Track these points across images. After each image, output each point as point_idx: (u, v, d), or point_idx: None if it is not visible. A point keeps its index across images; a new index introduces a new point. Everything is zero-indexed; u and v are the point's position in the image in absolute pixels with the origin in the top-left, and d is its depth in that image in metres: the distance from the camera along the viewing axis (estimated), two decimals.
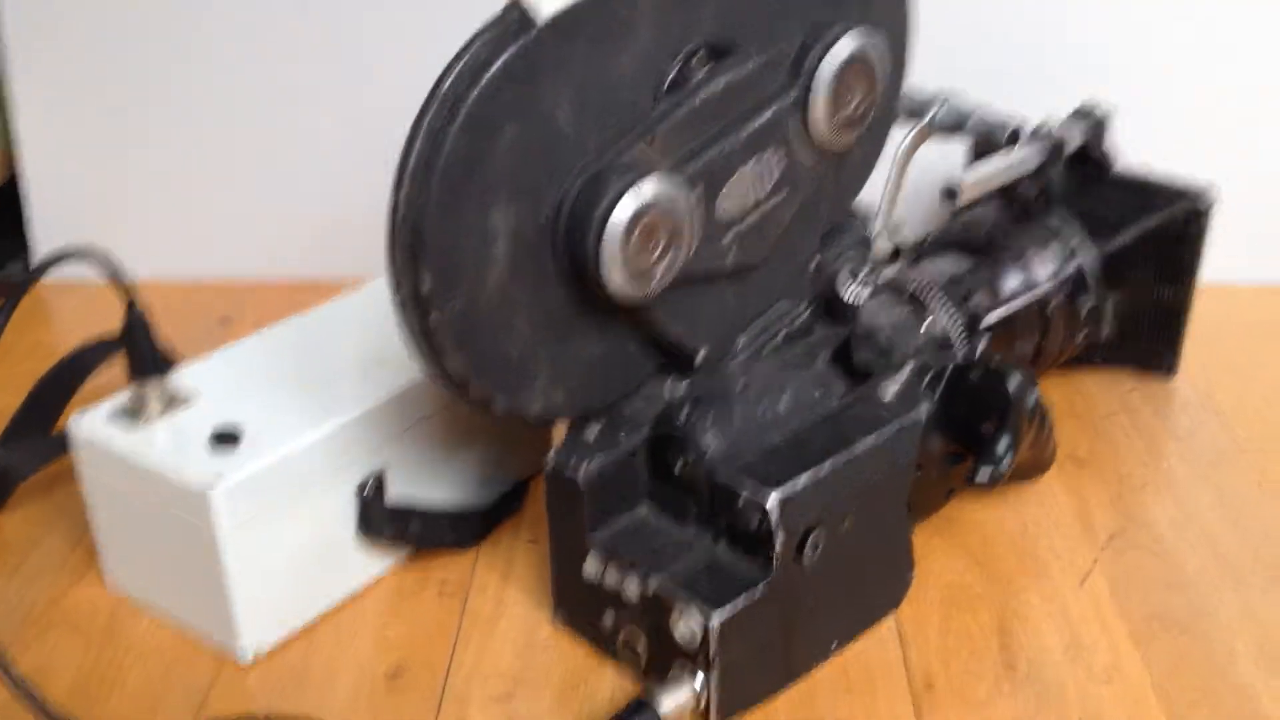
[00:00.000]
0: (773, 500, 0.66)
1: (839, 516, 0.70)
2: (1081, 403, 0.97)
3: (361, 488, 0.75)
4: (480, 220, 0.60)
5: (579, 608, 0.74)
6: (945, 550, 0.81)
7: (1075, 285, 0.92)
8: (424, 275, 0.59)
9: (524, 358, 0.65)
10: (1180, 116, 1.12)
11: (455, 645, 0.74)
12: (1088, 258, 0.93)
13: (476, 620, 0.76)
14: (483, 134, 0.59)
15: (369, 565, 0.78)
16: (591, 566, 0.70)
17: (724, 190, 0.67)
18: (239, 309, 1.15)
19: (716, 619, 0.65)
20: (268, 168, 1.17)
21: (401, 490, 0.78)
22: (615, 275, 0.62)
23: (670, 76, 0.65)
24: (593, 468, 0.69)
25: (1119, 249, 0.94)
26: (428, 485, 0.80)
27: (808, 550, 0.68)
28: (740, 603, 0.66)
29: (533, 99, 0.60)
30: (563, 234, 0.63)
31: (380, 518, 0.75)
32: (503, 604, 0.78)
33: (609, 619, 0.71)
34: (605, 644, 0.72)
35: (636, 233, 0.62)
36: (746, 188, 0.68)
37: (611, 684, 0.71)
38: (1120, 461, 0.91)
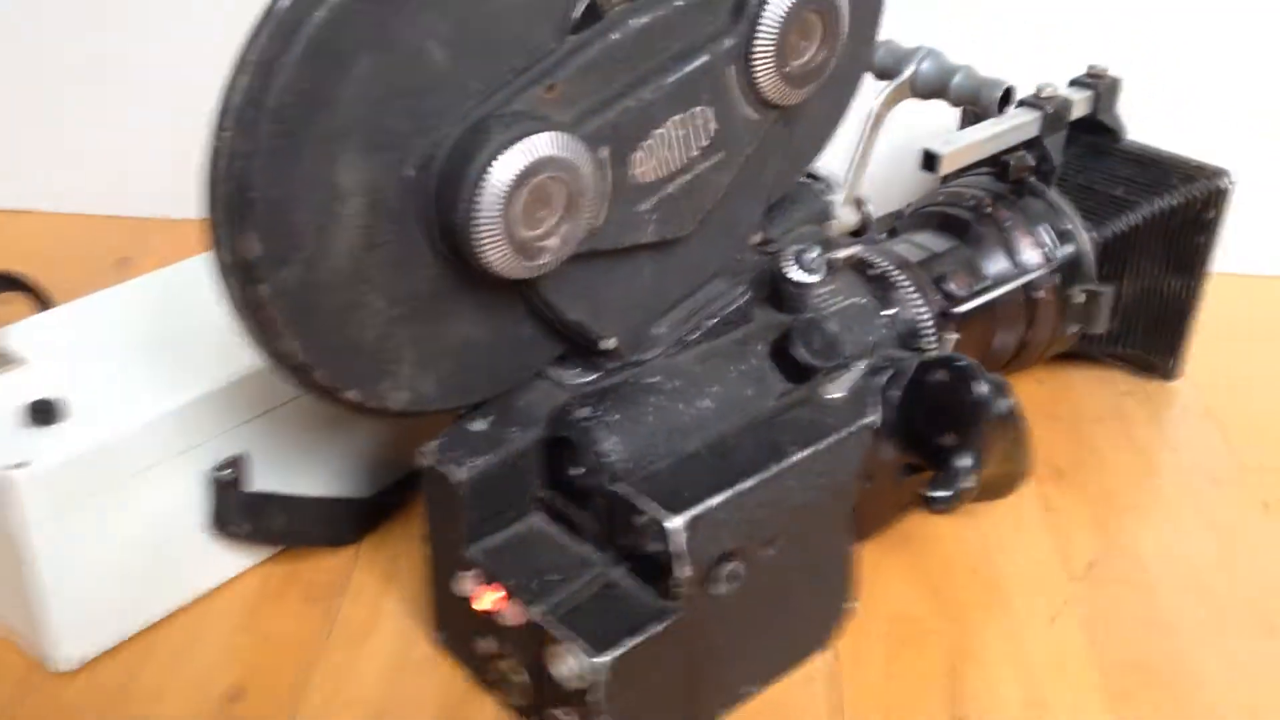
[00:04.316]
0: (677, 523, 0.55)
1: (763, 541, 0.59)
2: (1068, 403, 0.86)
3: (213, 474, 0.64)
4: (324, 173, 0.49)
5: (459, 628, 0.63)
6: (895, 574, 0.71)
7: (1070, 272, 0.81)
8: (251, 238, 0.48)
9: (382, 342, 0.54)
10: (1192, 94, 0.98)
11: (314, 663, 0.64)
12: (1086, 241, 0.81)
13: (345, 633, 0.66)
14: (328, 66, 0.47)
15: (224, 563, 0.67)
16: (466, 583, 0.60)
17: (640, 150, 0.56)
18: (141, 249, 1.03)
19: (604, 662, 0.54)
20: (182, 100, 1.05)
21: (268, 479, 0.67)
22: (494, 248, 0.51)
23: (580, 9, 0.53)
24: (475, 468, 0.58)
25: (1123, 232, 0.82)
26: (300, 474, 0.69)
27: (721, 581, 0.57)
28: (634, 643, 0.55)
29: (396, 25, 0.48)
30: (432, 194, 0.51)
31: (234, 510, 0.65)
32: (378, 614, 0.67)
33: (489, 645, 0.61)
34: (485, 673, 0.62)
35: (523, 197, 0.51)
36: (670, 148, 0.57)
37: None
38: (1106, 476, 0.79)
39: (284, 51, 0.46)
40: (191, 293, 0.71)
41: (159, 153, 1.07)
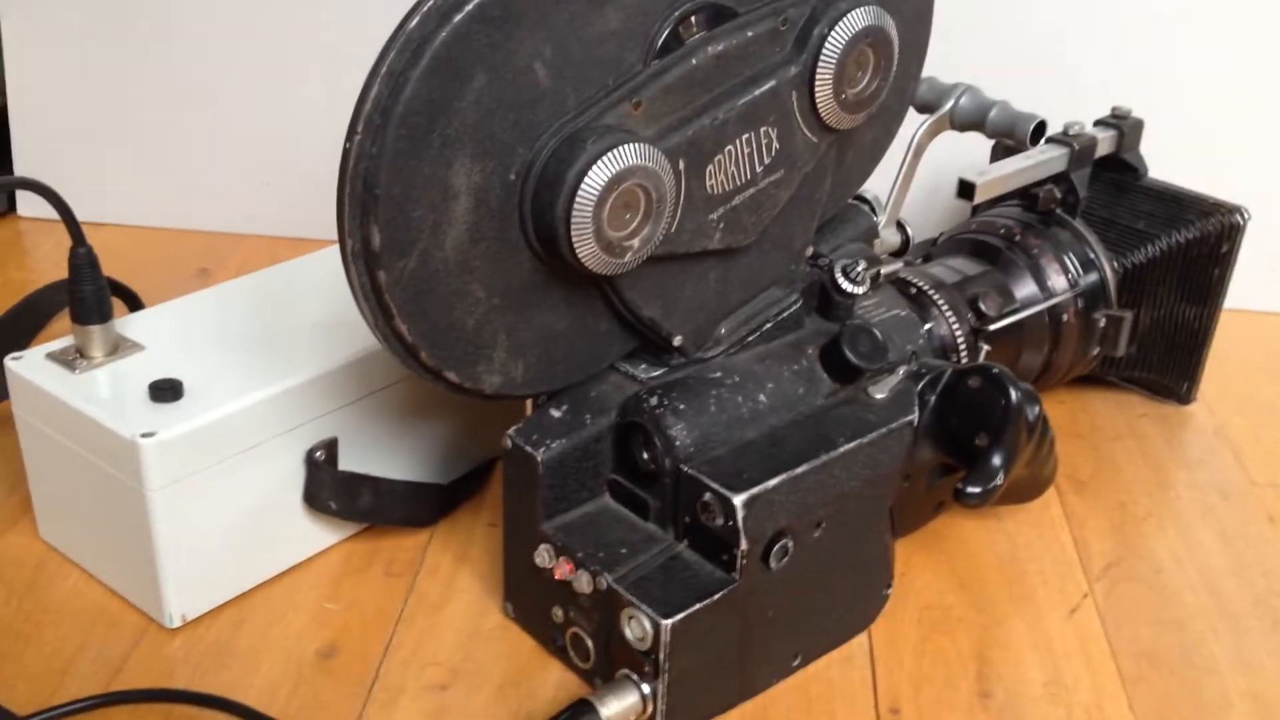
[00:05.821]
0: (739, 501, 0.61)
1: (812, 523, 0.65)
2: (1088, 423, 0.92)
3: (309, 455, 0.70)
4: (440, 175, 0.55)
5: (529, 599, 0.69)
6: (928, 568, 0.76)
7: (1092, 298, 0.87)
8: (374, 230, 0.55)
9: (481, 327, 0.60)
10: (1209, 134, 1.05)
11: (396, 628, 0.70)
12: (1108, 270, 0.87)
13: (422, 604, 0.72)
14: (449, 80, 0.54)
15: (314, 537, 0.74)
16: (543, 556, 0.66)
17: (712, 164, 0.62)
18: (219, 261, 1.10)
19: (668, 625, 0.60)
20: (262, 120, 1.13)
21: (355, 462, 0.73)
22: (585, 245, 0.58)
23: (663, 37, 0.60)
24: (554, 450, 0.64)
25: (1142, 263, 0.88)
26: (384, 459, 0.75)
27: (774, 557, 0.63)
28: (695, 609, 0.61)
29: (508, 46, 0.55)
30: (531, 196, 0.58)
31: (327, 487, 0.71)
32: (452, 589, 0.73)
33: (558, 613, 0.66)
34: (553, 639, 0.68)
35: (611, 200, 0.57)
36: (738, 163, 0.64)
37: (555, 683, 0.67)
38: (1123, 488, 0.85)
39: (411, 65, 0.53)
40: (280, 294, 0.78)
41: (233, 174, 1.14)
